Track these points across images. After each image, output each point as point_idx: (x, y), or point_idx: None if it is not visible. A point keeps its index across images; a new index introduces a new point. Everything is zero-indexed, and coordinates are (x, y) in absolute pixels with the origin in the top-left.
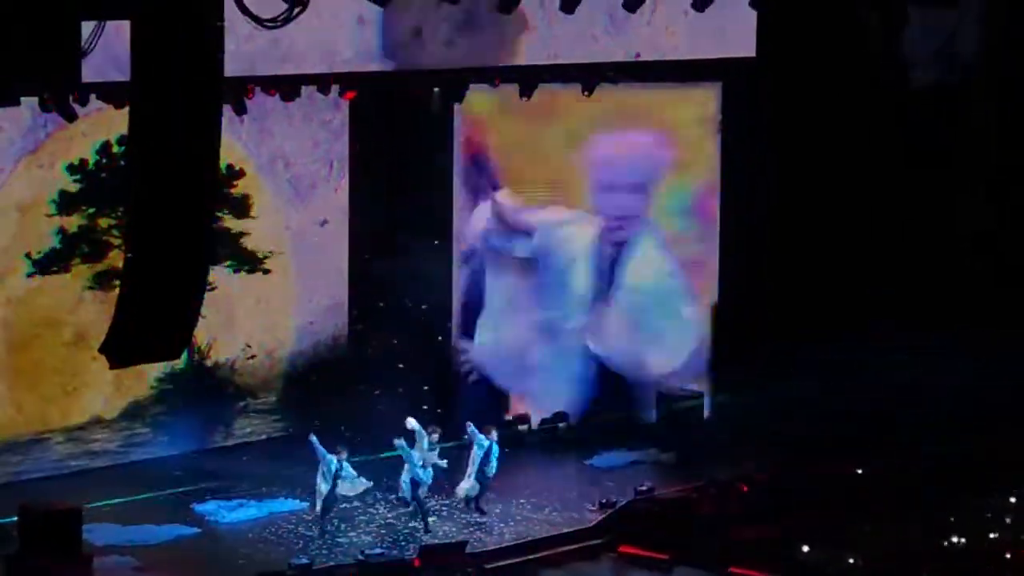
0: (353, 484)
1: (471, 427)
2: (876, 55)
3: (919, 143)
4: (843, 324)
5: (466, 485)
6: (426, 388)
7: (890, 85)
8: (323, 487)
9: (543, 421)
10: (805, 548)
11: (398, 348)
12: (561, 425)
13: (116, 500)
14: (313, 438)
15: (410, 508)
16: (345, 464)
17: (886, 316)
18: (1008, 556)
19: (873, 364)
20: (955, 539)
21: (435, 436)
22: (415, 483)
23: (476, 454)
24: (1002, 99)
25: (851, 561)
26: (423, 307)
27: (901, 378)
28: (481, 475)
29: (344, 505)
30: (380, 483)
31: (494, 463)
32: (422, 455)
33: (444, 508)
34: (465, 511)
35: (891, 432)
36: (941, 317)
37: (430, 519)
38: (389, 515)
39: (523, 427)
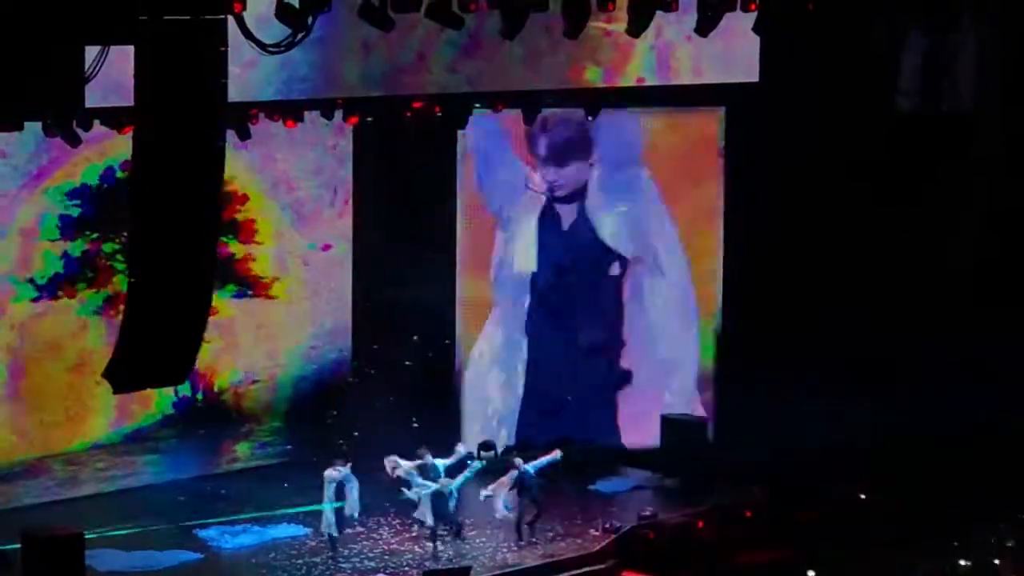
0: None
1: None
2: (879, 81)
3: (919, 169)
4: (847, 347)
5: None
6: (429, 412)
7: (892, 111)
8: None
9: (507, 449)
10: (811, 574)
11: (401, 373)
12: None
13: (121, 529)
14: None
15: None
16: (349, 475)
17: (890, 338)
18: None
19: (878, 388)
20: (960, 563)
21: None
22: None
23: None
24: (1005, 126)
25: None
26: (426, 332)
27: (906, 402)
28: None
29: (347, 529)
30: (382, 506)
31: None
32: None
33: (446, 531)
34: (473, 536)
35: (896, 456)
36: (944, 339)
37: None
38: (393, 540)
39: (489, 454)
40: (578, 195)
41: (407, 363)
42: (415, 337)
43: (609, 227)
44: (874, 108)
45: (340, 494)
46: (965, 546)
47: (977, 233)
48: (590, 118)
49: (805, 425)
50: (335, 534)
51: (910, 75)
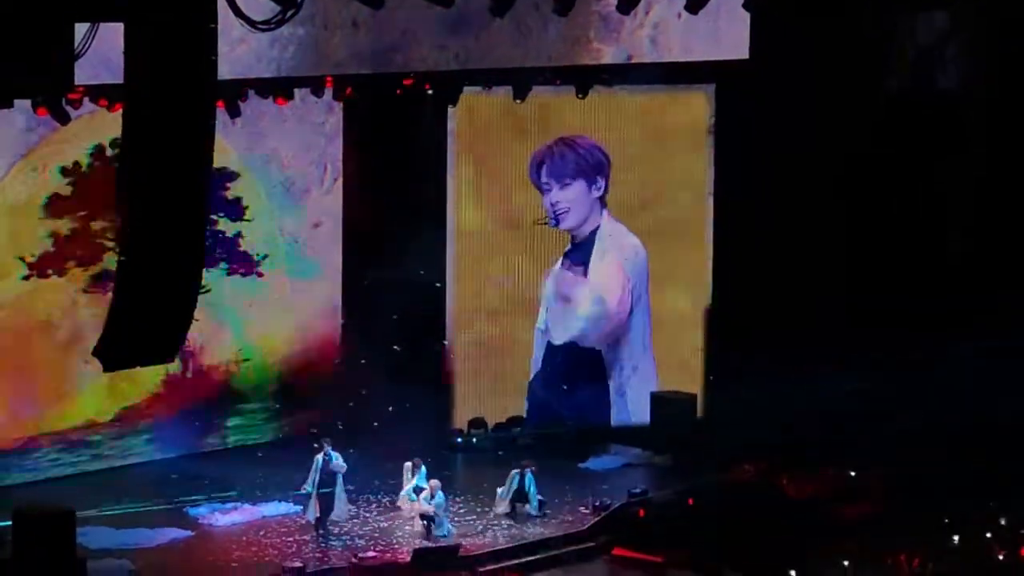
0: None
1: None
2: (868, 59)
3: (908, 149)
4: (836, 328)
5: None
6: (420, 391)
7: (881, 89)
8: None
9: (497, 426)
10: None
11: (392, 351)
12: (516, 430)
13: (111, 507)
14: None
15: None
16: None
17: (879, 320)
18: (1001, 557)
19: (866, 368)
20: (949, 541)
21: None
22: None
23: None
24: (994, 104)
25: (846, 564)
26: (417, 309)
27: (894, 382)
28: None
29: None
30: (371, 485)
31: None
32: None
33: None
34: (463, 514)
35: (884, 435)
36: (932, 322)
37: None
38: (382, 518)
39: (478, 431)
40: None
41: (395, 347)
42: (394, 316)
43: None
44: (863, 86)
45: (328, 477)
46: (956, 523)
47: (970, 213)
48: (580, 96)
49: (795, 402)
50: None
51: (900, 55)
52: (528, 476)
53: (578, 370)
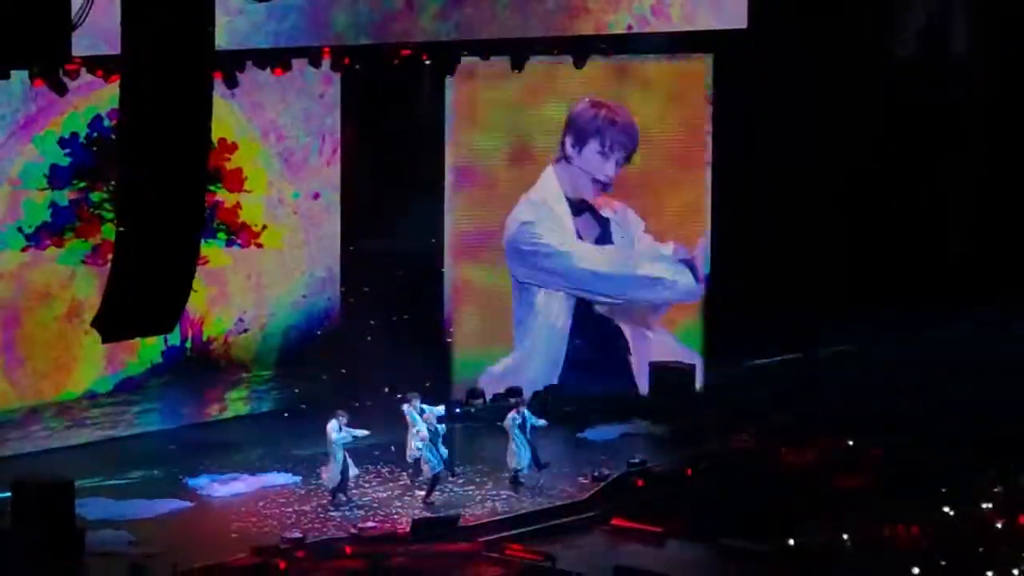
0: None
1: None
2: (869, 28)
3: (908, 116)
4: (836, 299)
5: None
6: (418, 360)
7: (882, 58)
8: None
9: (496, 396)
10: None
11: (390, 320)
12: (513, 400)
13: (110, 478)
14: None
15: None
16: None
17: (878, 291)
18: (999, 526)
19: (865, 340)
20: (947, 510)
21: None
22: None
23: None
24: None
25: (844, 537)
26: (416, 278)
27: (894, 354)
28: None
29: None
30: (370, 455)
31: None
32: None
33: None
34: (462, 484)
35: (884, 406)
36: (934, 294)
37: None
38: (381, 489)
39: (477, 401)
40: None
41: (392, 318)
42: (392, 286)
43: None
44: (864, 55)
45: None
46: (952, 493)
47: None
48: (578, 66)
49: (794, 373)
50: (339, 487)
51: (902, 23)
52: (524, 413)
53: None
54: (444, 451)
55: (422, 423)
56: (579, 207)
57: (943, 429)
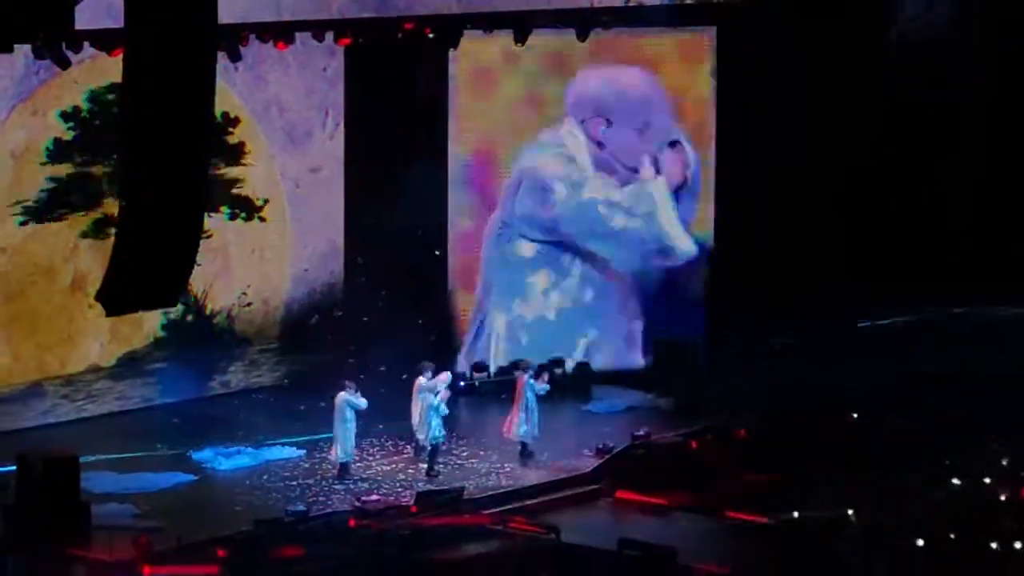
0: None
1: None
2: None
3: (909, 92)
4: (837, 273)
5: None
6: (421, 333)
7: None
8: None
9: (501, 369)
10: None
11: (393, 294)
12: (517, 373)
13: (115, 451)
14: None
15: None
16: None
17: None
18: (1004, 498)
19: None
20: (952, 482)
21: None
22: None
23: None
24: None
25: (849, 512)
26: (419, 253)
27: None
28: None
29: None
30: (374, 428)
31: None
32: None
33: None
34: (466, 457)
35: (889, 381)
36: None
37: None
38: (385, 462)
39: (480, 375)
40: None
41: (396, 292)
42: (396, 260)
43: None
44: (867, 26)
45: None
46: (958, 465)
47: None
48: (580, 39)
49: (798, 348)
50: (349, 460)
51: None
52: (528, 383)
53: None
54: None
55: (430, 395)
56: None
57: (947, 404)
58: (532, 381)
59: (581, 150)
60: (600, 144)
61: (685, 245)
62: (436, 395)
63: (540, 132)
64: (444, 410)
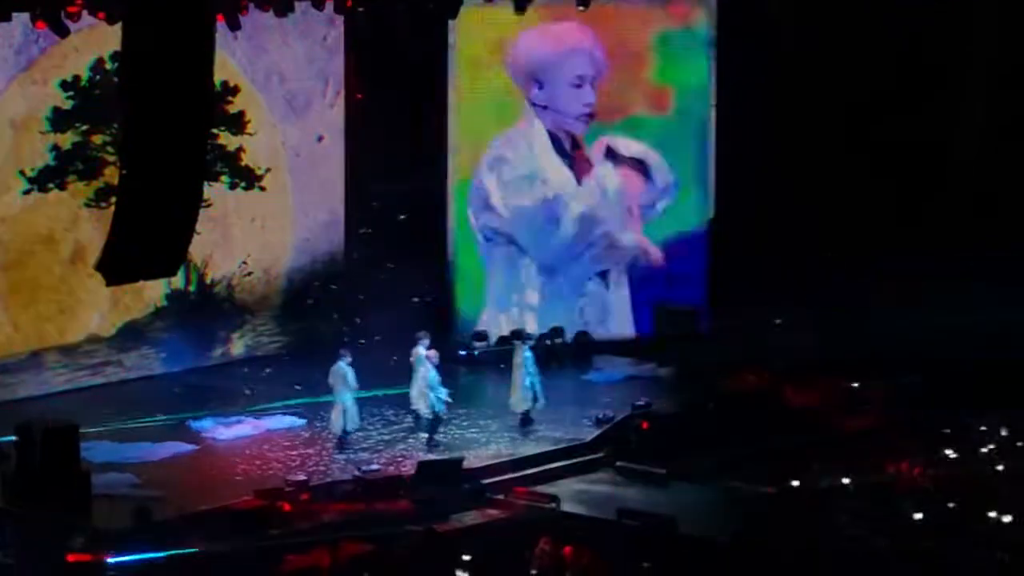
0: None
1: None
2: None
3: (915, 54)
4: (839, 240)
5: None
6: (421, 302)
7: None
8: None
9: (501, 339)
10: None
11: (394, 263)
12: (517, 342)
13: (115, 421)
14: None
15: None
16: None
17: (884, 234)
18: (1000, 468)
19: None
20: (949, 453)
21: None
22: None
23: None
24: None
25: (845, 481)
26: (419, 220)
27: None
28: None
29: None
30: (374, 399)
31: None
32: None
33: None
34: (466, 427)
35: (887, 350)
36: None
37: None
38: (386, 432)
39: (481, 344)
40: None
41: (396, 261)
42: (396, 229)
43: None
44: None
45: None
46: (955, 435)
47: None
48: (581, 7)
49: (799, 316)
50: (351, 428)
51: None
52: (527, 354)
53: None
54: (443, 392)
55: (427, 364)
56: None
57: (946, 373)
58: (530, 352)
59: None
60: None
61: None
62: (434, 367)
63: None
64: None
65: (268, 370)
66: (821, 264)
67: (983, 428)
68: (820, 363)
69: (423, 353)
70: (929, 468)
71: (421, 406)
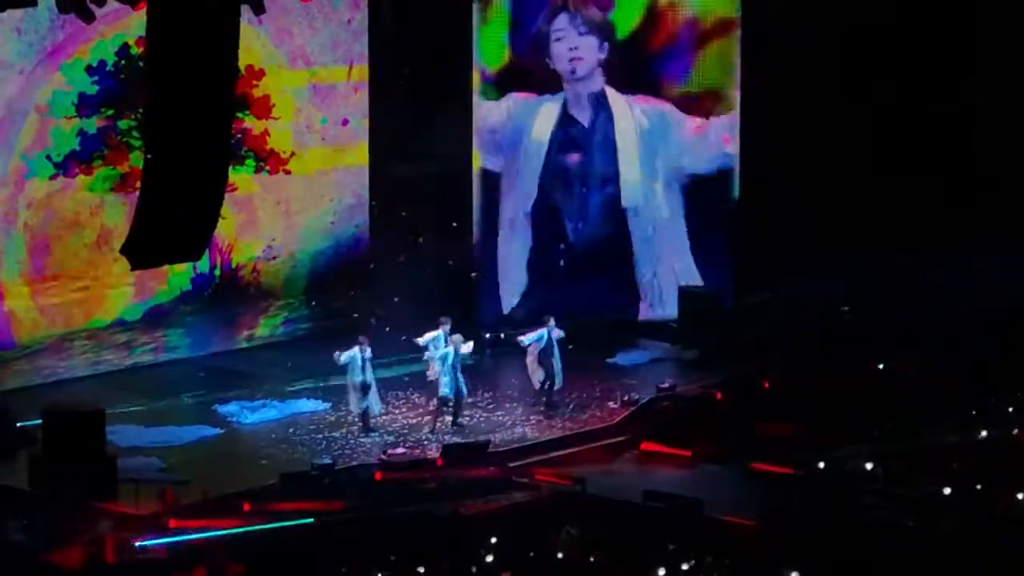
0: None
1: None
2: None
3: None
4: (867, 226)
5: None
6: (446, 287)
7: None
8: (356, 380)
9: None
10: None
11: (419, 247)
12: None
13: (141, 404)
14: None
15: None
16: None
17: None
18: None
19: (898, 267)
20: (979, 434)
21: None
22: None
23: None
24: None
25: (868, 467)
26: (444, 205)
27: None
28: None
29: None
30: (401, 381)
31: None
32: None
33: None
34: (492, 410)
35: (914, 332)
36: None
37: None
38: (411, 415)
39: (505, 327)
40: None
41: (421, 245)
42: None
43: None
44: None
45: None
46: (983, 415)
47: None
48: None
49: (824, 298)
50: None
51: None
52: (553, 338)
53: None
54: (462, 379)
55: (445, 348)
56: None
57: (974, 353)
58: (549, 333)
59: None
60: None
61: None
62: (455, 350)
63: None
64: (451, 361)
65: (293, 353)
66: (849, 241)
67: (1010, 410)
68: (845, 341)
69: (442, 335)
70: (957, 448)
71: (445, 389)
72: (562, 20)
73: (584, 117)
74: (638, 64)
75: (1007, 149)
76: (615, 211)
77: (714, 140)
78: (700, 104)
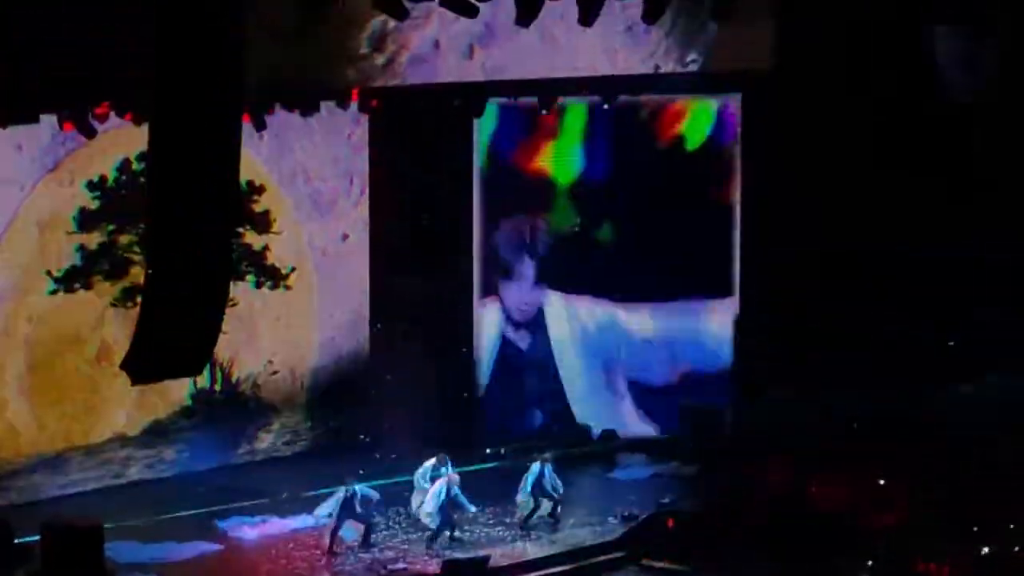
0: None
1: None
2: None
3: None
4: (864, 342)
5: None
6: (449, 402)
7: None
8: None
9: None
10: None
11: (420, 362)
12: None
13: (140, 520)
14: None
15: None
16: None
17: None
18: None
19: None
20: (980, 550)
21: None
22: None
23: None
24: None
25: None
26: (444, 322)
27: (922, 397)
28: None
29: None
30: (401, 498)
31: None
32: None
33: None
34: (492, 525)
35: (919, 439)
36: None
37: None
38: (411, 530)
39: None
40: None
41: (421, 363)
42: (421, 328)
43: None
44: (891, 96)
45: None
46: (985, 532)
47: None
48: (606, 106)
49: (824, 411)
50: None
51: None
52: (548, 468)
53: None
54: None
55: (433, 487)
56: None
57: (976, 467)
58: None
59: None
60: None
61: None
62: (447, 488)
63: None
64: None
65: (294, 468)
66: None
67: (1014, 526)
68: (847, 458)
69: (431, 468)
70: (957, 567)
71: (429, 522)
72: None
73: None
74: None
75: (1007, 149)
76: None
77: None
78: None
